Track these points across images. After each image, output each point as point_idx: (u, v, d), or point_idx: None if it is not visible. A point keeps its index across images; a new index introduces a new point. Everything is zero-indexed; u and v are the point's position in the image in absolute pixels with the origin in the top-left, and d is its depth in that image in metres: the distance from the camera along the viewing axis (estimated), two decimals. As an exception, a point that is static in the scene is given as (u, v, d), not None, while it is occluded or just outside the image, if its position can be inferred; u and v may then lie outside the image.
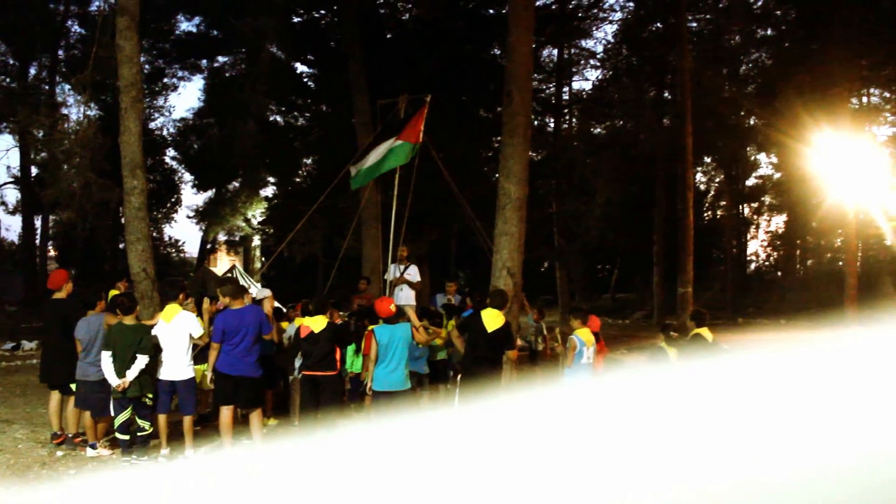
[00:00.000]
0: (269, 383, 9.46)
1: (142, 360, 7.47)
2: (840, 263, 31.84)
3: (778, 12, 28.09)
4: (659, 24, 29.04)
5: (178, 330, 7.84)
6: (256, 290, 11.40)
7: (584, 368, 8.38)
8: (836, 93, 23.38)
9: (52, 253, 36.90)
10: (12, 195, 34.39)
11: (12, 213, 33.48)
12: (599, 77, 37.16)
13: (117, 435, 7.66)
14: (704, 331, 9.00)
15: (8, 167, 38.22)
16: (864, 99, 29.63)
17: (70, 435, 8.22)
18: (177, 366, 7.84)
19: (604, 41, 51.54)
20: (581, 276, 34.33)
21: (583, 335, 8.48)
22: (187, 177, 35.95)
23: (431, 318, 9.69)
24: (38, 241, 33.77)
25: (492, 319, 7.96)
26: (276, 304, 10.38)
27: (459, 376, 8.29)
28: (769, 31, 29.22)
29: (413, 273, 12.56)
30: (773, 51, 28.83)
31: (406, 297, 12.22)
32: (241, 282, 21.12)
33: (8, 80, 31.30)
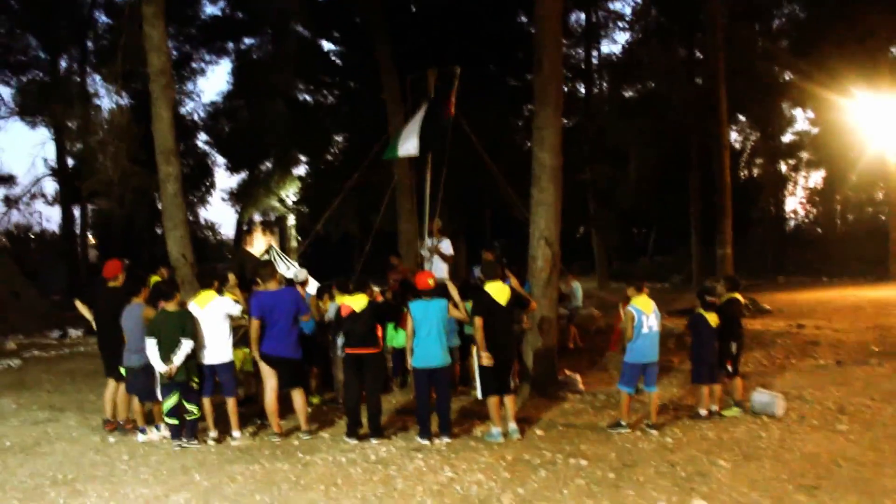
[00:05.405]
0: (312, 362, 9.54)
1: (187, 345, 7.53)
2: (882, 217, 31.28)
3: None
4: (688, -19, 28.40)
5: (213, 315, 7.90)
6: (296, 270, 11.44)
7: (646, 338, 8.04)
8: (874, 43, 22.78)
9: (92, 241, 37.49)
10: (51, 187, 34.89)
11: (51, 204, 34.00)
12: (629, 39, 36.63)
13: (166, 419, 7.76)
14: (737, 295, 9.03)
15: (45, 160, 38.61)
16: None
17: (121, 421, 8.36)
18: (216, 349, 7.91)
19: (632, 2, 50.70)
20: (617, 240, 34.09)
21: (639, 303, 8.14)
22: (220, 159, 36.30)
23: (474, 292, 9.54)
24: (78, 231, 34.29)
25: (499, 292, 7.86)
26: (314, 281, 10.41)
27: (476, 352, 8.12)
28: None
29: (446, 246, 12.36)
30: (807, 2, 28.11)
31: (439, 269, 12.04)
32: (280, 262, 21.31)
33: (40, 74, 31.61)
